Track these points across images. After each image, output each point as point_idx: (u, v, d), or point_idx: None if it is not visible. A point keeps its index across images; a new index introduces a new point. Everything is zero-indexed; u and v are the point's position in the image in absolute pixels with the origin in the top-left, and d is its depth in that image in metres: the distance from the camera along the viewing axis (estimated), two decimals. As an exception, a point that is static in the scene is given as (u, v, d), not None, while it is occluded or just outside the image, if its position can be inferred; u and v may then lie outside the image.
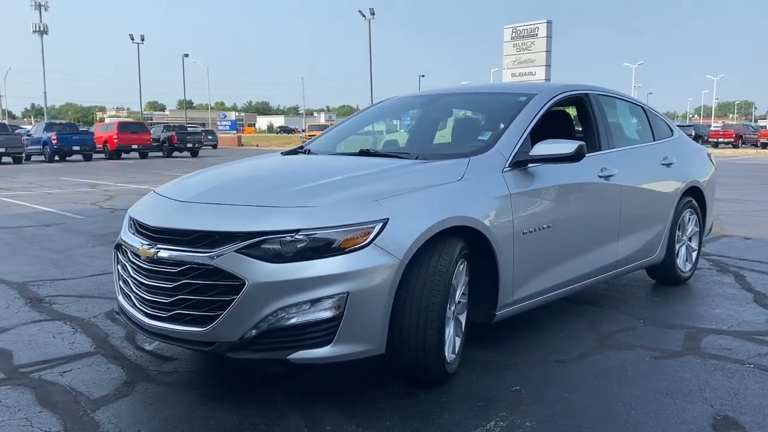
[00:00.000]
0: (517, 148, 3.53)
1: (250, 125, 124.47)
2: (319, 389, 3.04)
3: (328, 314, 2.68)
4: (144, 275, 2.98)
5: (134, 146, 31.05)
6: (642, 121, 4.98)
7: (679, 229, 4.94)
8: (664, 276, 5.01)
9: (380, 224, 2.79)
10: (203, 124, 79.46)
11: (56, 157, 28.23)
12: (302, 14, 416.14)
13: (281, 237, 2.70)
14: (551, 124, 4.38)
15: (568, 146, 3.44)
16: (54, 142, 27.79)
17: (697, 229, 5.19)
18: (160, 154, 33.58)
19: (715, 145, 39.22)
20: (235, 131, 64.14)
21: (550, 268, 3.66)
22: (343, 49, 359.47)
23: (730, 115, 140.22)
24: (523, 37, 30.41)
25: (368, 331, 2.75)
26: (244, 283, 2.66)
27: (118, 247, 3.32)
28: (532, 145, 3.55)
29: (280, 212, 2.82)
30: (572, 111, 4.77)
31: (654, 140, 4.92)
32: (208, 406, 2.85)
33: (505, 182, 3.37)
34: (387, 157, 3.71)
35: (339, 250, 2.71)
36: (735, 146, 39.07)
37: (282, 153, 4.31)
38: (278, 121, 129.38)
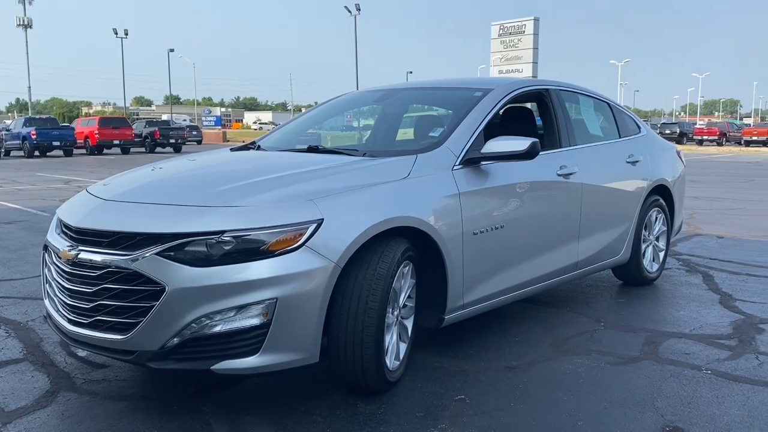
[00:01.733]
0: (468, 145, 3.38)
1: (237, 121, 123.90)
2: (253, 399, 2.88)
3: (254, 322, 2.52)
4: (66, 278, 2.80)
5: (116, 142, 30.62)
6: (607, 117, 4.85)
7: (645, 229, 4.82)
8: (630, 277, 4.88)
9: (314, 225, 2.63)
10: (189, 120, 78.87)
11: (36, 153, 27.84)
12: (290, 10, 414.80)
13: (205, 239, 2.53)
14: (512, 121, 4.25)
15: (520, 143, 3.29)
16: (33, 137, 27.39)
17: (665, 229, 5.07)
18: (143, 149, 33.24)
19: (700, 142, 39.43)
20: (220, 127, 63.56)
21: (504, 269, 3.51)
22: (332, 44, 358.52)
23: (716, 113, 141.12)
24: (510, 34, 30.26)
25: (299, 340, 2.59)
26: (165, 289, 2.49)
27: (46, 248, 3.14)
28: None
29: (206, 212, 2.65)
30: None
31: (619, 137, 4.79)
32: (130, 417, 2.68)
33: (454, 181, 3.22)
34: (335, 153, 3.55)
35: (268, 253, 2.55)
36: (719, 144, 39.22)
37: (231, 149, 4.14)
38: (266, 116, 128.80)
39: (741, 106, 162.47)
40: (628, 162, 4.62)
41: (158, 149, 32.99)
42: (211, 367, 2.53)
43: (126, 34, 55.18)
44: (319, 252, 2.60)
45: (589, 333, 3.81)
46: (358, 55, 48.50)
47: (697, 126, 45.05)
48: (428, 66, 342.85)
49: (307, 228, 2.61)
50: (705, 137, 39.86)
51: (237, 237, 2.54)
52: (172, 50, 63.21)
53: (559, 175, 3.88)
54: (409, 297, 3.09)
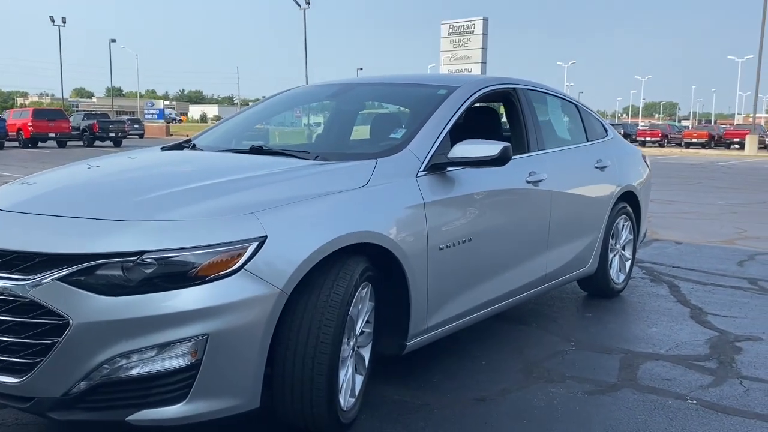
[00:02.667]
0: (433, 149, 3.00)
1: (182, 114, 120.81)
2: (182, 447, 2.43)
3: (180, 363, 2.08)
4: (-51, 307, 2.29)
5: (51, 134, 29.15)
6: (575, 119, 4.56)
7: (612, 238, 4.56)
8: (597, 288, 4.62)
9: (255, 243, 2.20)
10: (132, 113, 76.57)
11: (-37, 145, 26.24)
12: (238, 0, 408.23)
13: (121, 261, 2.08)
14: (477, 122, 3.90)
15: (491, 148, 2.93)
16: (-40, 128, 25.79)
17: (631, 237, 4.83)
18: (81, 143, 31.79)
19: (643, 144, 40.32)
20: (163, 120, 61.58)
21: (472, 287, 3.16)
22: (280, 38, 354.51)
23: (656, 115, 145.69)
24: (459, 33, 30.25)
25: (236, 382, 2.17)
26: (69, 323, 2.03)
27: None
28: (452, 145, 3.04)
29: (122, 228, 2.18)
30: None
31: (587, 141, 4.51)
32: (28, 477, 2.20)
33: (418, 189, 2.84)
34: (282, 155, 3.12)
35: (198, 279, 2.11)
36: (661, 145, 40.23)
37: (162, 148, 3.64)
38: (212, 110, 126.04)
39: (679, 108, 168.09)
40: (596, 167, 4.34)
41: (97, 143, 31.61)
42: (127, 419, 2.08)
43: (63, 22, 52.75)
44: (260, 276, 2.17)
45: (561, 354, 3.50)
46: (308, 49, 47.66)
47: (640, 127, 46.15)
48: (379, 63, 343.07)
49: (247, 247, 2.18)
50: (648, 139, 40.82)
51: (160, 259, 2.09)
52: (113, 40, 61.04)
53: (529, 182, 3.55)
54: (366, 322, 2.70)
